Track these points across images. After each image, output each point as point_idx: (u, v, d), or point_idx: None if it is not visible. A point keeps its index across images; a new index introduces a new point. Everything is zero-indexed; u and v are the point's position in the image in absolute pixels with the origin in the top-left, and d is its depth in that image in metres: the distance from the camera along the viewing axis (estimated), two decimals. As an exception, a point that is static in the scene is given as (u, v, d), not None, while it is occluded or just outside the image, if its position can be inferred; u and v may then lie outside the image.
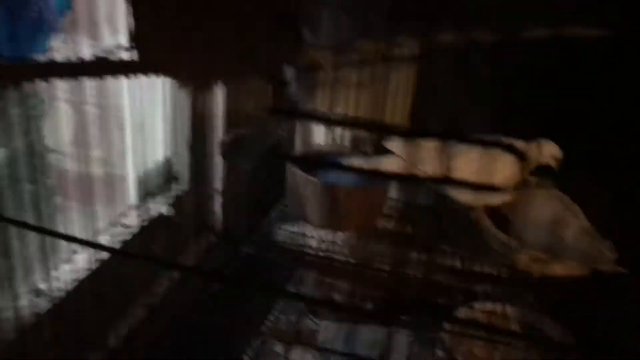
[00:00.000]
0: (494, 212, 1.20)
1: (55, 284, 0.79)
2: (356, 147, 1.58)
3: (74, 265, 0.87)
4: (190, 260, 1.20)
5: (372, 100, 1.47)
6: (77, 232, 0.89)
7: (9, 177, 0.91)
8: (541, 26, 0.92)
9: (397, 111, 1.49)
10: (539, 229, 0.96)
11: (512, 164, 1.08)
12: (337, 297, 1.33)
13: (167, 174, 1.17)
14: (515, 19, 0.98)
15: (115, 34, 0.87)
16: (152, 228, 1.04)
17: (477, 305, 1.12)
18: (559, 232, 1.11)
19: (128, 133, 1.01)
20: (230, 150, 1.23)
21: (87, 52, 0.65)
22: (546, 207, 1.18)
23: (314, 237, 1.32)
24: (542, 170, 1.18)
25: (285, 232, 1.37)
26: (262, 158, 1.39)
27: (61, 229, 1.01)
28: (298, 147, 1.54)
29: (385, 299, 1.27)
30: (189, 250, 1.22)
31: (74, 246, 0.72)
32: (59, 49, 0.64)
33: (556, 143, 1.12)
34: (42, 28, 0.56)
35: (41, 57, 0.58)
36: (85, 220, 0.97)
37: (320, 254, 1.27)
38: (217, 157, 1.25)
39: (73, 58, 0.63)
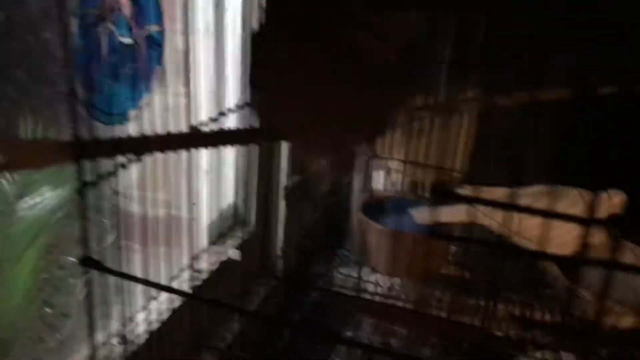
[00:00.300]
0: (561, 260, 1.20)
1: (135, 329, 0.81)
2: (416, 193, 1.59)
3: (149, 311, 0.89)
4: (254, 303, 1.22)
5: (438, 147, 1.49)
6: (152, 277, 0.92)
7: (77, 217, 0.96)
8: (610, 83, 0.94)
9: (460, 159, 1.51)
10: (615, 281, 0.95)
11: (582, 213, 1.08)
12: (395, 342, 1.33)
13: (235, 219, 1.21)
14: (587, 78, 1.00)
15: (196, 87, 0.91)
16: (221, 272, 1.07)
17: (539, 355, 1.11)
18: (630, 283, 1.10)
19: (199, 178, 1.05)
20: (293, 196, 1.26)
21: (177, 103, 0.69)
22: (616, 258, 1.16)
23: (374, 282, 1.33)
24: (611, 221, 1.17)
25: (346, 276, 1.38)
26: (324, 203, 1.42)
27: (133, 273, 1.06)
28: (358, 193, 1.57)
29: (444, 345, 1.26)
30: (252, 293, 1.24)
31: (153, 292, 0.74)
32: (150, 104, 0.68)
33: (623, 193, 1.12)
34: (137, 85, 0.60)
35: (135, 112, 0.62)
36: (156, 264, 1.01)
37: (379, 299, 1.28)
38: (282, 202, 1.28)
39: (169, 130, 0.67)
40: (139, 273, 1.02)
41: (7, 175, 0.89)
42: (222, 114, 0.73)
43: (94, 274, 0.62)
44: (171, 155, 0.66)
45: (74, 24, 0.66)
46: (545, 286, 1.21)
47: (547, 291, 1.25)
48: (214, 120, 0.76)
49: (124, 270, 1.04)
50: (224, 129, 0.75)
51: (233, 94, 0.97)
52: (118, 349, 0.85)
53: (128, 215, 0.98)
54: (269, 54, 0.70)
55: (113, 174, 0.61)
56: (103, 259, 1.01)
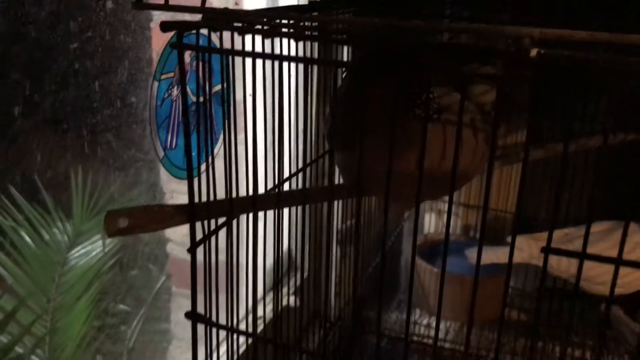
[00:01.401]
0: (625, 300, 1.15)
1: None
2: (468, 235, 1.57)
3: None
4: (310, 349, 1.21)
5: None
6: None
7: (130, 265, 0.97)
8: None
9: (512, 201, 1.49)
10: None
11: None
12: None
13: (290, 264, 1.20)
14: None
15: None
16: (279, 317, 1.06)
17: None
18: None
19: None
20: (346, 240, 1.26)
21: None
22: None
23: (432, 326, 1.30)
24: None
25: (403, 321, 1.36)
26: (377, 247, 1.41)
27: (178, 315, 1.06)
28: (410, 234, 1.55)
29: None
30: (309, 340, 1.23)
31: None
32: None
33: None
34: (207, 140, 0.63)
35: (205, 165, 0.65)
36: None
37: (437, 343, 1.25)
38: (336, 246, 1.27)
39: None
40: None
41: (60, 224, 0.92)
42: (305, 167, 0.74)
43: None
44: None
45: (155, 87, 0.71)
46: (608, 328, 1.16)
47: (610, 333, 1.20)
48: (298, 172, 0.79)
49: (174, 317, 1.06)
50: (314, 187, 0.80)
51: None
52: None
53: (178, 262, 0.99)
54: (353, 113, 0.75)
55: (217, 231, 0.63)
56: (155, 304, 1.03)
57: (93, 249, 0.95)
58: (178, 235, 0.99)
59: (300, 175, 0.75)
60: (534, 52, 0.44)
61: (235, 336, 0.67)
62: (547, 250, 0.53)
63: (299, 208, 0.88)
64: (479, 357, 1.21)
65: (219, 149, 0.67)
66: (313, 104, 0.88)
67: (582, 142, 1.02)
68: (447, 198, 1.37)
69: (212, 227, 0.63)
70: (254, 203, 0.66)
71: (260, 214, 0.71)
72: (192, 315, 0.64)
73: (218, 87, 0.73)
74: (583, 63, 0.43)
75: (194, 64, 0.73)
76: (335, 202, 1.21)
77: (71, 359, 0.95)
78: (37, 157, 0.77)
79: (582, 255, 0.54)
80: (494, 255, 1.19)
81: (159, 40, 0.81)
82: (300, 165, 0.74)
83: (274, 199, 0.69)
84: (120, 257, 0.98)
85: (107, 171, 0.87)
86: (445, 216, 1.56)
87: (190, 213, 0.60)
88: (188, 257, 0.99)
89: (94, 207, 0.93)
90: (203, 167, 0.62)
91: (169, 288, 1.06)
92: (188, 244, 0.87)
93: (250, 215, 0.68)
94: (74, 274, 0.95)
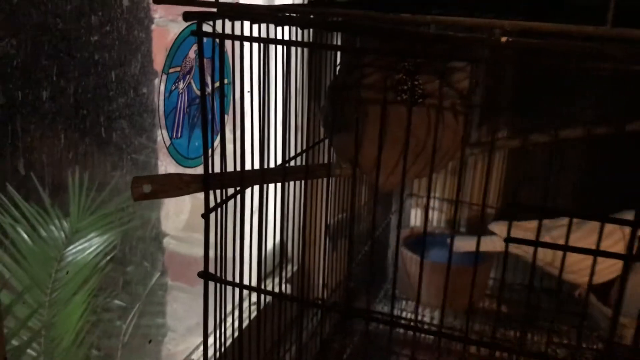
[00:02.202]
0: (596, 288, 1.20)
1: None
2: (453, 229, 1.61)
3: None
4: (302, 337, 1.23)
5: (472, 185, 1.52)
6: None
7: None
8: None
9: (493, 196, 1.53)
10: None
11: (619, 240, 1.09)
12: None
13: (282, 256, 1.23)
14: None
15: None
16: (271, 306, 1.08)
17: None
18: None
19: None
20: (335, 233, 1.29)
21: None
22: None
23: (413, 314, 1.34)
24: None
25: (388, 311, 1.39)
26: (365, 240, 1.44)
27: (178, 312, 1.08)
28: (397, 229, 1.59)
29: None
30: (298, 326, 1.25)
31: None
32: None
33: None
34: (211, 130, 0.68)
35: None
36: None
37: (419, 333, 1.28)
38: (325, 239, 1.30)
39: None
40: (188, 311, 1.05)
41: (57, 222, 0.94)
42: (310, 147, 0.84)
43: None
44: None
45: (163, 80, 0.75)
46: (583, 316, 1.21)
47: (587, 322, 1.25)
48: (302, 153, 0.88)
49: (170, 309, 1.08)
50: (314, 164, 0.88)
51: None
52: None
53: (174, 255, 1.02)
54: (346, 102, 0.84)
55: (230, 198, 0.71)
56: (149, 299, 1.05)
57: (90, 245, 0.98)
58: (174, 230, 1.01)
59: (303, 156, 0.82)
60: (503, 39, 0.53)
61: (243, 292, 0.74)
62: (508, 240, 0.59)
63: (296, 204, 0.92)
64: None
65: (218, 143, 0.72)
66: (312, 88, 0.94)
67: (563, 133, 1.06)
68: (432, 194, 1.40)
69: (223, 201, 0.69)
70: (263, 175, 0.74)
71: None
72: (205, 275, 0.71)
73: (222, 81, 0.78)
74: (541, 48, 0.52)
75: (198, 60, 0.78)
76: (326, 198, 1.24)
77: (66, 353, 0.97)
78: (61, 139, 0.83)
79: (536, 243, 0.60)
80: (471, 244, 1.24)
81: (159, 41, 0.91)
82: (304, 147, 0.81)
83: (281, 173, 0.76)
84: (117, 254, 1.00)
85: (111, 164, 0.92)
86: (431, 213, 1.62)
87: (205, 182, 0.67)
88: (184, 250, 1.02)
89: (90, 206, 0.96)
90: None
91: (164, 284, 1.08)
92: (184, 239, 0.93)
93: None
94: (71, 270, 0.97)
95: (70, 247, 0.96)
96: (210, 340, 0.76)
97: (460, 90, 0.83)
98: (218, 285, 0.72)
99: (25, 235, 0.90)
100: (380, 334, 1.32)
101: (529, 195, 0.77)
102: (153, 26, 0.90)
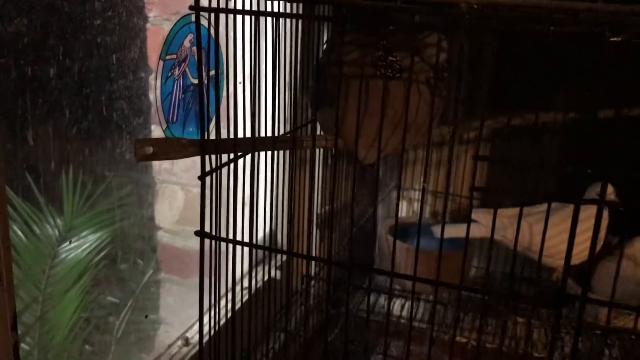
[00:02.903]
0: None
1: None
2: (436, 219, 1.65)
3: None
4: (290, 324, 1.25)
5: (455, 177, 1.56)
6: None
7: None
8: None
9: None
10: (617, 284, 1.00)
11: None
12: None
13: (272, 245, 1.25)
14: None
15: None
16: (261, 292, 1.09)
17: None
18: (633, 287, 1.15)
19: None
20: (324, 223, 1.31)
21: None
22: (621, 264, 1.23)
23: (406, 307, 1.37)
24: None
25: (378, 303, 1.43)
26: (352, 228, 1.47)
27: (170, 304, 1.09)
28: (383, 219, 1.63)
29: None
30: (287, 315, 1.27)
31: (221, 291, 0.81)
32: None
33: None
34: (203, 117, 0.71)
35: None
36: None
37: (404, 321, 1.31)
38: (315, 229, 1.33)
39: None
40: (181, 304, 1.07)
41: (51, 220, 0.95)
42: (297, 128, 0.90)
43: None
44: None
45: (160, 66, 0.80)
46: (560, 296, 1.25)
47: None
48: (292, 131, 0.93)
49: (163, 302, 1.09)
50: (302, 135, 0.93)
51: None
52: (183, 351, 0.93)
53: (168, 248, 1.04)
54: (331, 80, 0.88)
55: (226, 165, 0.75)
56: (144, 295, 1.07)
57: (84, 243, 0.99)
58: (168, 223, 1.03)
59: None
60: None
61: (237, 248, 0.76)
62: (473, 189, 0.62)
63: (279, 194, 0.94)
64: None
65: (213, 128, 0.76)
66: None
67: (541, 118, 1.09)
68: (417, 187, 1.43)
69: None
70: (254, 143, 0.78)
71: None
72: (201, 233, 0.74)
73: (212, 73, 0.82)
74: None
75: (193, 49, 0.84)
76: (315, 189, 1.27)
77: (60, 348, 0.98)
78: (66, 114, 0.87)
79: (496, 191, 0.64)
80: (455, 230, 1.28)
81: (153, 40, 0.95)
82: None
83: (271, 141, 0.80)
84: (110, 251, 1.02)
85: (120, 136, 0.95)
86: (415, 204, 1.65)
87: (201, 145, 0.71)
88: (177, 244, 1.03)
89: (84, 204, 0.98)
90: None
91: (158, 281, 1.10)
92: (178, 232, 0.95)
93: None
94: (65, 266, 0.98)
95: (64, 245, 0.98)
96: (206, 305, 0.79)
97: (433, 64, 0.88)
98: (213, 242, 0.75)
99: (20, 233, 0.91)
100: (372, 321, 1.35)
101: (512, 182, 0.80)
102: (148, 25, 0.93)
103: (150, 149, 0.68)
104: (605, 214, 1.19)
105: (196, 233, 0.74)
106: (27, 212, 0.91)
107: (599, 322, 1.15)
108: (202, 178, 0.71)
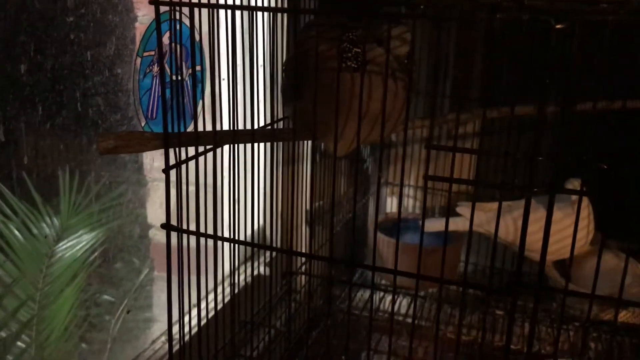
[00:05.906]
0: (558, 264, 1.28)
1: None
2: (426, 215, 1.67)
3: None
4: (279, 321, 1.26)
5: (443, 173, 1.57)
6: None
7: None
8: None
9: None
10: (601, 279, 1.02)
11: (583, 218, 1.16)
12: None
13: (262, 240, 1.26)
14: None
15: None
16: (249, 289, 1.10)
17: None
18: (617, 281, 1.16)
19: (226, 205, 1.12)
20: (315, 218, 1.33)
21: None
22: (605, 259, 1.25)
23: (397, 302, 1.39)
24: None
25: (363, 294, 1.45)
26: (343, 225, 1.49)
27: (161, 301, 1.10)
28: (373, 215, 1.65)
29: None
30: (277, 311, 1.28)
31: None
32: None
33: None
34: (183, 115, 0.73)
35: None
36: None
37: (395, 317, 1.32)
38: (305, 225, 1.34)
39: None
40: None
41: (48, 220, 0.97)
42: (275, 122, 0.89)
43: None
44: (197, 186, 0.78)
45: (138, 63, 0.78)
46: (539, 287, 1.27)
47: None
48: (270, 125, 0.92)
49: (155, 300, 1.10)
50: (277, 129, 0.92)
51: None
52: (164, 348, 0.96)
53: (160, 246, 1.05)
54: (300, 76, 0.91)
55: (190, 160, 0.76)
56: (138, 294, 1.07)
57: (79, 242, 1.00)
58: (159, 221, 1.04)
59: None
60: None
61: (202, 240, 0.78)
62: (427, 177, 0.63)
63: (270, 190, 0.96)
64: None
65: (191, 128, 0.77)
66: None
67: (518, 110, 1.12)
68: (405, 183, 1.45)
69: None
70: (234, 135, 0.79)
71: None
72: (167, 226, 0.75)
73: (196, 68, 0.83)
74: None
75: (171, 46, 0.83)
76: (305, 185, 1.28)
77: (56, 346, 0.99)
78: (39, 110, 0.86)
79: (451, 180, 0.67)
80: (440, 224, 1.30)
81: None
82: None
83: (249, 134, 0.82)
84: (105, 250, 1.03)
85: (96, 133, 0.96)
86: (404, 200, 1.67)
87: (165, 139, 0.71)
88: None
89: (80, 204, 0.99)
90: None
91: (152, 280, 1.11)
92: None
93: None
94: (61, 265, 0.99)
95: (61, 244, 0.99)
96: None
97: (397, 56, 0.89)
98: (179, 235, 0.76)
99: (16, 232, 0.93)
100: (360, 318, 1.37)
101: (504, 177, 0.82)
102: (137, 24, 0.93)
103: (111, 143, 0.69)
104: (590, 207, 1.22)
105: (162, 226, 0.76)
106: (24, 211, 0.92)
107: (584, 315, 1.18)
108: (166, 171, 0.72)
